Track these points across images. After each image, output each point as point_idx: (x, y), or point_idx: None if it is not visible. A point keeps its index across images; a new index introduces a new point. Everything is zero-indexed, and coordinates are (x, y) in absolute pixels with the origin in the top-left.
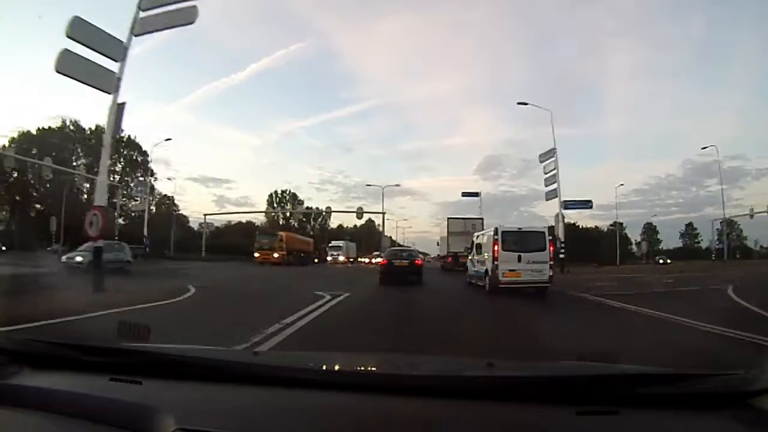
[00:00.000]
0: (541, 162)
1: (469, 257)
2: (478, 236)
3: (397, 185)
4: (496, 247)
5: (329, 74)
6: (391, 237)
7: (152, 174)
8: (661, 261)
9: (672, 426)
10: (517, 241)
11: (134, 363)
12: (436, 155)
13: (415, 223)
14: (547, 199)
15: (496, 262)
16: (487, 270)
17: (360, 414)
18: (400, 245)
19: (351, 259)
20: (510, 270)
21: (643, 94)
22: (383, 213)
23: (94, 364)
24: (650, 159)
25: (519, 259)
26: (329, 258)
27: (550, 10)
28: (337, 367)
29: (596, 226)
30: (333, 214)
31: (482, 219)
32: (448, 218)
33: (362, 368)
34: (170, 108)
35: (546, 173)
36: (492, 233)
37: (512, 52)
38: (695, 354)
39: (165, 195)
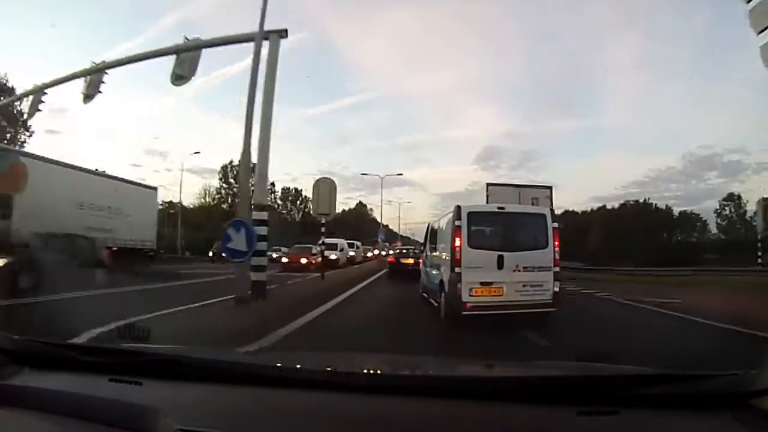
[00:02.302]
0: None
1: (424, 255)
2: (437, 222)
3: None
4: (457, 242)
5: (328, 65)
6: (388, 225)
7: (27, 128)
8: None
9: (672, 426)
10: (498, 231)
11: (134, 363)
12: (435, 146)
13: (414, 213)
14: None
15: (457, 269)
16: (442, 282)
17: (360, 414)
18: (389, 231)
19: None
20: (483, 284)
21: (644, 86)
22: None
23: (93, 364)
24: (650, 151)
25: (500, 263)
26: None
27: (551, 1)
28: (337, 368)
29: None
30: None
31: (551, 188)
32: (488, 185)
33: (362, 368)
34: (168, 99)
35: None
36: (452, 217)
37: (512, 44)
38: None
39: (96, 170)
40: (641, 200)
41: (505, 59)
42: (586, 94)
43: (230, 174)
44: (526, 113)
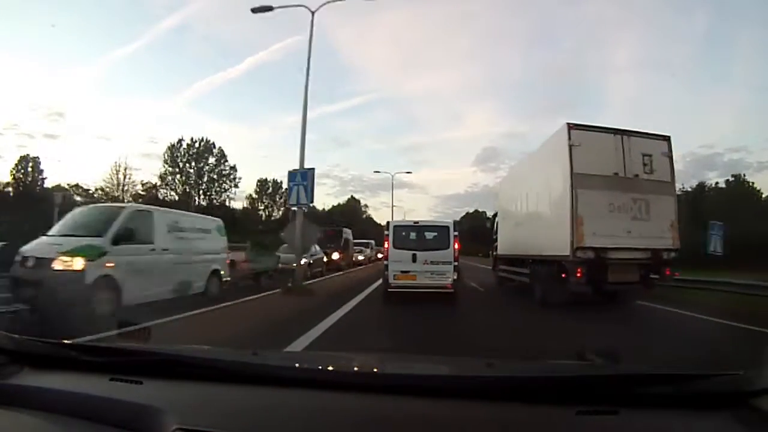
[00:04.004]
0: None
1: None
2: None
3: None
4: (386, 245)
5: (326, 67)
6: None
7: None
8: None
9: (672, 426)
10: (413, 237)
11: (134, 363)
12: (434, 148)
13: (415, 215)
14: None
15: (385, 262)
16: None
17: (360, 414)
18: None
19: None
20: (402, 272)
21: (645, 86)
22: None
23: (94, 364)
24: None
25: (414, 258)
26: None
27: (551, 2)
28: (337, 367)
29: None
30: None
31: (669, 139)
32: (572, 128)
33: (362, 368)
34: (167, 102)
35: None
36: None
37: (512, 45)
38: None
39: (26, 155)
40: (731, 178)
41: (505, 59)
42: (585, 94)
43: (180, 157)
44: (526, 114)
